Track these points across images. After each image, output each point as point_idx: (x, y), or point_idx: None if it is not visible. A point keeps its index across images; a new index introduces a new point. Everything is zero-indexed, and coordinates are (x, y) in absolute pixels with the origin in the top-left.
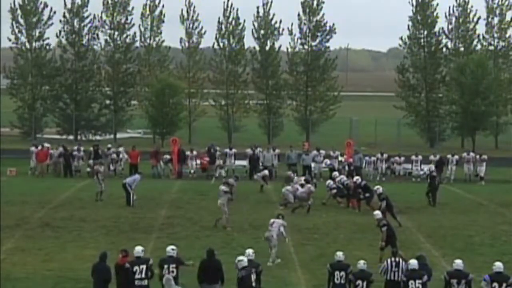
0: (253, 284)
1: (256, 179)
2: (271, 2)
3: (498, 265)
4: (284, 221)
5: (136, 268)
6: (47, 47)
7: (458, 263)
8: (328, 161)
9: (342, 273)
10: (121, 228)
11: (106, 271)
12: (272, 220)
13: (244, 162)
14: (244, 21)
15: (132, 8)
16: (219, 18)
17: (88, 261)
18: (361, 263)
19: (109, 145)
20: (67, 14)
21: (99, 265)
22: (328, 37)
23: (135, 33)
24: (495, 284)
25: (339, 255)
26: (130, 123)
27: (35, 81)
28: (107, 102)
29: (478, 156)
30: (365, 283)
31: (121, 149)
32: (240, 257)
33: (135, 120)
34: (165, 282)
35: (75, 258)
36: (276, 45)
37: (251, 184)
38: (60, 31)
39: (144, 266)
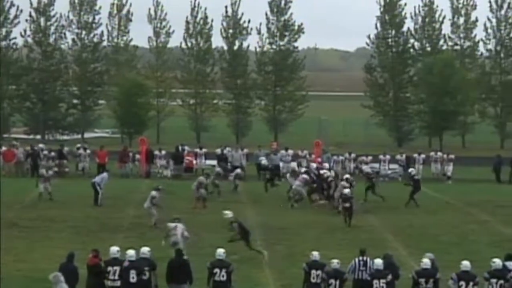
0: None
1: (230, 179)
2: (239, 1)
3: (465, 264)
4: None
5: (110, 269)
6: (14, 46)
7: (426, 262)
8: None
9: (319, 272)
10: (89, 228)
11: (73, 271)
12: (173, 225)
13: (214, 162)
14: (212, 20)
15: (100, 7)
16: (186, 18)
17: (57, 261)
18: (335, 262)
19: (78, 145)
20: (33, 13)
21: (66, 265)
22: (296, 36)
23: (102, 32)
24: (462, 283)
25: (315, 254)
26: (98, 123)
27: (1, 81)
28: (75, 101)
29: (445, 156)
30: (338, 282)
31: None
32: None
33: (103, 119)
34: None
35: (43, 258)
36: (245, 44)
37: (225, 184)
38: (25, 30)
39: (118, 268)
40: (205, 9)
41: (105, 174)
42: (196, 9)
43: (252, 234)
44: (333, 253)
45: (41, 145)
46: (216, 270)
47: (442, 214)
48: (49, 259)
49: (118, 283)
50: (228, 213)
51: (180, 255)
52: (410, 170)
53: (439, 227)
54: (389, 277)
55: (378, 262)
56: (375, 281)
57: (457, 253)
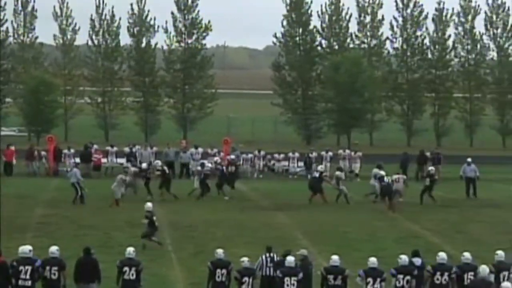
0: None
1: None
2: None
3: (372, 261)
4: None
5: (21, 268)
6: None
7: (335, 259)
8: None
9: (224, 270)
10: None
11: None
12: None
13: (123, 160)
14: (120, 18)
15: (5, 4)
16: (91, 15)
17: None
18: (245, 261)
19: None
20: None
21: None
22: (204, 34)
23: (7, 28)
24: (370, 279)
25: (220, 252)
26: (5, 121)
27: None
28: None
29: (353, 153)
30: (251, 280)
31: None
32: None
33: (9, 117)
34: None
35: None
36: (152, 42)
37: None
38: None
39: (29, 267)
40: (112, 6)
41: (75, 170)
42: (101, 6)
43: (161, 232)
44: (243, 251)
45: None
46: (126, 268)
47: (351, 212)
48: None
49: (29, 283)
50: (150, 206)
51: (88, 254)
52: (319, 167)
53: (348, 224)
54: (300, 275)
55: (290, 259)
56: (287, 278)
57: (366, 250)
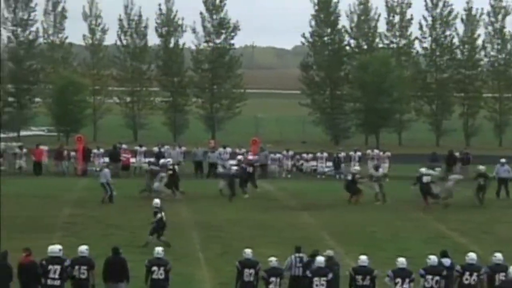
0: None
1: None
2: None
3: (401, 261)
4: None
5: (50, 267)
6: None
7: (363, 259)
8: None
9: (252, 270)
10: (22, 226)
11: (7, 270)
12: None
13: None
14: (147, 18)
15: (35, 4)
16: (119, 15)
17: None
18: (273, 260)
19: (14, 143)
20: None
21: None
22: (232, 34)
23: (37, 29)
24: (398, 280)
25: (248, 252)
26: (34, 121)
27: None
28: (10, 99)
29: (381, 153)
30: (278, 280)
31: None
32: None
33: (39, 117)
34: None
35: None
36: (180, 42)
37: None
38: None
39: (58, 267)
40: (140, 7)
41: (106, 170)
42: (129, 6)
43: (187, 232)
44: (269, 251)
45: None
46: (154, 268)
47: (378, 212)
48: None
49: (58, 283)
50: (158, 202)
51: (117, 253)
52: (353, 169)
53: (374, 224)
54: (330, 275)
55: (320, 259)
56: (316, 279)
57: (393, 250)
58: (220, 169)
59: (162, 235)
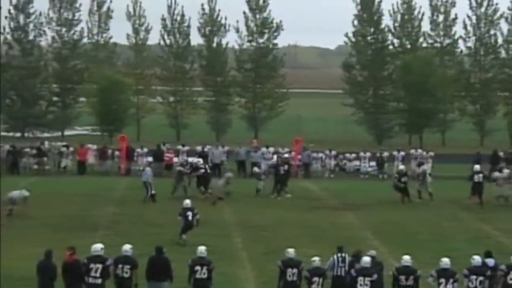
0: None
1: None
2: None
3: (445, 261)
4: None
5: (92, 265)
6: None
7: (406, 259)
8: None
9: (294, 270)
10: (66, 225)
11: (51, 269)
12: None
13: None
14: (190, 18)
15: (80, 5)
16: (162, 15)
17: (34, 259)
18: (316, 260)
19: (59, 143)
20: (12, 11)
21: (44, 263)
22: (275, 34)
23: (82, 29)
24: (442, 280)
25: (290, 252)
26: (78, 120)
27: None
28: (55, 99)
29: (425, 153)
30: (321, 280)
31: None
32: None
33: (82, 117)
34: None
35: (20, 256)
36: (223, 42)
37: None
38: (4, 28)
39: (100, 265)
40: (182, 6)
41: (148, 169)
42: (172, 6)
43: (230, 231)
44: (312, 251)
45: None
46: (197, 267)
47: (422, 211)
48: (26, 257)
49: (100, 281)
50: (188, 202)
51: (160, 253)
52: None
53: (418, 224)
54: (375, 275)
55: (366, 259)
56: (360, 278)
57: (436, 250)
58: (256, 169)
59: (185, 233)
